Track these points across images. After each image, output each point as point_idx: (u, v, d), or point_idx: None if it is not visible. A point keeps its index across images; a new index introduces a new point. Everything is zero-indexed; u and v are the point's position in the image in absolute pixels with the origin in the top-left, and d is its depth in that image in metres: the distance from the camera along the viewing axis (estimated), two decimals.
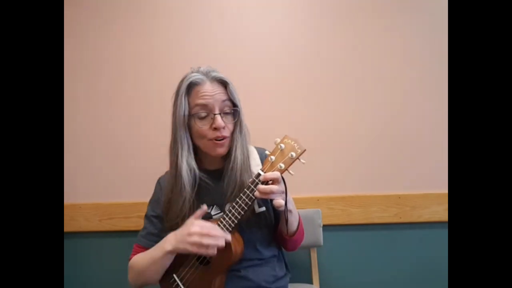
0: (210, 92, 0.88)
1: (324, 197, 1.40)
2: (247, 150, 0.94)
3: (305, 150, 0.81)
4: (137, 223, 1.40)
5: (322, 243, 1.32)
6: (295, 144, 0.82)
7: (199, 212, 0.85)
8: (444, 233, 1.38)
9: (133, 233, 1.40)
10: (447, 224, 1.36)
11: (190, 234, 0.80)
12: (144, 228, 1.00)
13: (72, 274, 1.45)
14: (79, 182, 1.45)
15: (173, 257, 0.87)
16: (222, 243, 0.80)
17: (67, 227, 1.43)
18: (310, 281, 1.34)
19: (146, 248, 0.97)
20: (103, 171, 1.45)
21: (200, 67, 0.93)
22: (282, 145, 0.82)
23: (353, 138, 1.41)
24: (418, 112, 1.40)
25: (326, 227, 1.35)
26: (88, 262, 1.46)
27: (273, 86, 1.42)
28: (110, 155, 1.45)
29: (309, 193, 1.40)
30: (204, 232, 0.79)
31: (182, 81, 0.92)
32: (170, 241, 0.84)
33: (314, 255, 1.35)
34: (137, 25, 1.44)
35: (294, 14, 1.42)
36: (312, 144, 1.43)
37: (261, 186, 0.81)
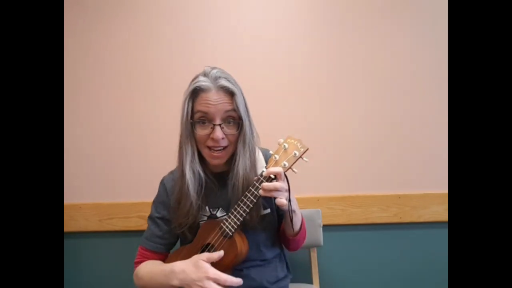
0: (213, 101, 0.85)
1: (324, 197, 1.40)
2: (253, 160, 0.91)
3: (307, 149, 0.83)
4: (137, 223, 1.40)
5: (322, 243, 1.32)
6: (298, 144, 0.84)
7: (215, 256, 0.82)
8: (444, 233, 1.38)
9: (133, 233, 1.41)
10: (447, 224, 1.36)
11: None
12: (149, 229, 0.99)
13: (72, 274, 1.45)
14: (79, 182, 1.45)
15: None
16: None
17: (67, 227, 1.43)
18: (310, 281, 1.34)
19: (151, 250, 0.98)
20: (103, 171, 1.45)
21: (213, 69, 0.89)
22: (286, 145, 0.84)
23: (353, 138, 1.41)
24: (418, 112, 1.40)
25: (326, 227, 1.35)
26: (88, 262, 1.46)
27: (273, 87, 1.41)
28: (110, 155, 1.45)
29: (309, 193, 1.40)
30: None
31: (190, 83, 0.89)
32: (178, 277, 0.82)
33: (314, 255, 1.35)
34: (138, 25, 1.44)
35: (298, 15, 1.41)
36: (312, 144, 1.41)
37: (264, 184, 0.81)
